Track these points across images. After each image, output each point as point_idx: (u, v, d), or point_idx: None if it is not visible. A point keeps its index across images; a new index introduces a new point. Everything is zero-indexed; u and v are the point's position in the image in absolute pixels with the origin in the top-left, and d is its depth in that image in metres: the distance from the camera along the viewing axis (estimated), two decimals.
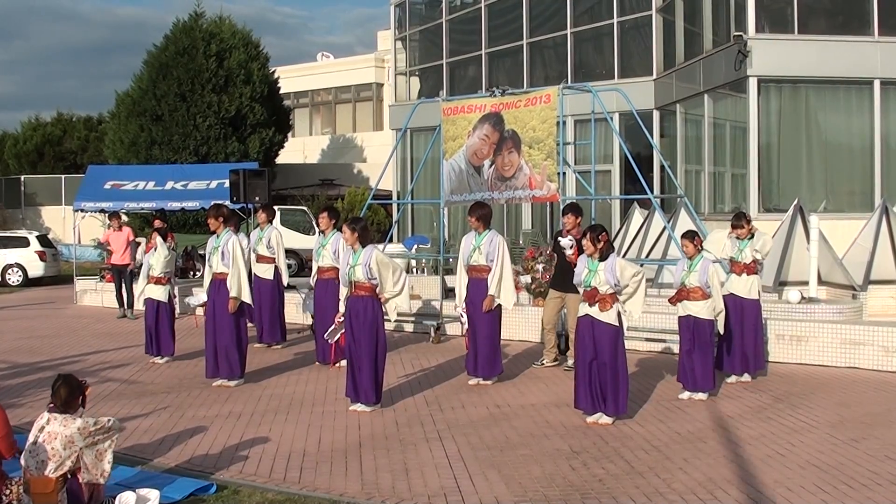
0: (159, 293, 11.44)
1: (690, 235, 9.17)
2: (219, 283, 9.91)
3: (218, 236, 9.98)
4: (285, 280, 12.79)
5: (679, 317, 9.15)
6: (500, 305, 9.87)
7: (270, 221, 12.87)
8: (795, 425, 7.90)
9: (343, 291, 8.75)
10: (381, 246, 14.72)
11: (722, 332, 9.25)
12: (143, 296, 11.71)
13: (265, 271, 12.44)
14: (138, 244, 16.31)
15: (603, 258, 7.96)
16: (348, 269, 8.60)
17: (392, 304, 8.72)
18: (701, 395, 8.94)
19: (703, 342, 8.92)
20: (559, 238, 10.36)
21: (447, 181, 13.19)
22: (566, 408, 8.51)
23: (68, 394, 5.67)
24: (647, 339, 11.63)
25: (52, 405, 5.66)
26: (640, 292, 7.99)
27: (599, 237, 7.95)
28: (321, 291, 11.09)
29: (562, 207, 11.05)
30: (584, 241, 8.07)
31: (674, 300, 9.22)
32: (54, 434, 5.54)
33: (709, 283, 8.88)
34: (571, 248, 9.84)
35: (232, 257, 9.81)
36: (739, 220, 9.95)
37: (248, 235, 12.46)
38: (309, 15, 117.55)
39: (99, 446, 5.65)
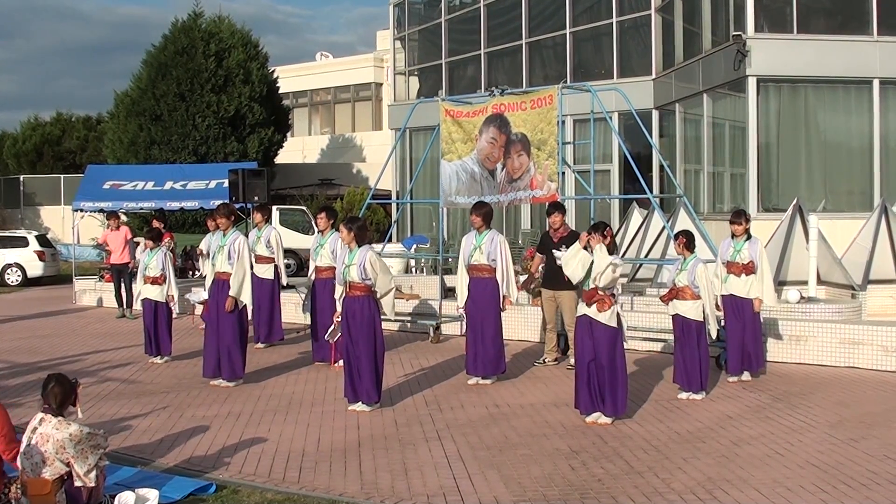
0: (156, 293, 11.43)
1: (678, 235, 9.20)
2: (222, 282, 9.90)
3: (225, 235, 9.99)
4: (284, 280, 12.80)
5: (671, 315, 9.18)
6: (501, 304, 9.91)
7: (267, 221, 12.89)
8: (794, 425, 7.91)
9: (338, 290, 8.75)
10: (379, 246, 14.76)
11: (714, 335, 9.23)
12: (140, 296, 11.70)
13: (264, 271, 12.45)
14: (137, 243, 16.30)
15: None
16: (343, 268, 8.61)
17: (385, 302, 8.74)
18: (696, 395, 8.94)
19: (692, 342, 8.93)
20: (553, 251, 10.41)
21: (454, 182, 13.17)
22: (565, 407, 8.51)
23: (62, 394, 5.63)
24: (647, 339, 11.63)
25: (46, 406, 5.63)
26: (602, 263, 7.82)
27: (605, 233, 7.95)
28: (319, 291, 11.10)
29: (546, 208, 11.12)
30: (592, 239, 8.03)
31: (665, 298, 9.25)
32: (46, 436, 5.51)
33: (696, 283, 8.89)
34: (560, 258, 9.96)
35: (238, 257, 9.82)
36: (738, 217, 9.97)
37: (246, 235, 12.45)
38: (311, 14, 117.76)
39: (90, 459, 5.57)
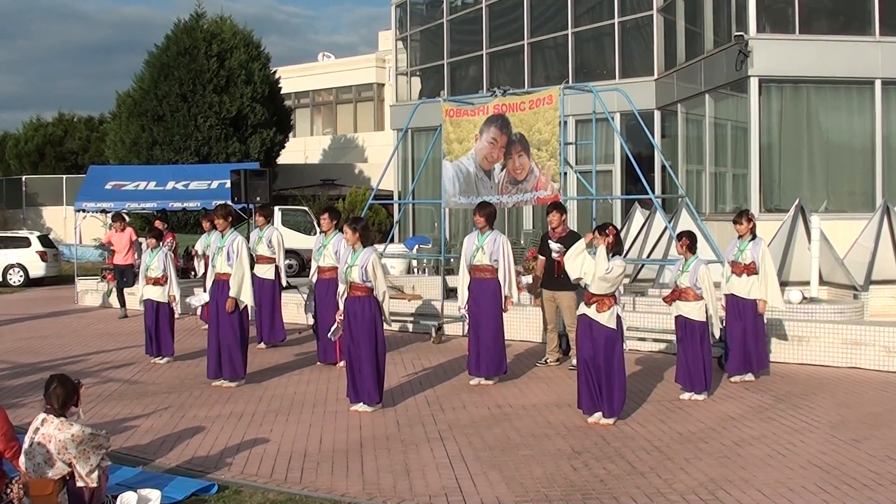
0: (158, 294, 11.43)
1: (681, 236, 9.21)
2: (222, 283, 9.88)
3: (223, 236, 9.99)
4: (284, 280, 12.81)
5: (674, 316, 9.19)
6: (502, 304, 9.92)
7: (269, 221, 12.91)
8: (797, 425, 7.90)
9: (340, 288, 8.76)
10: (381, 246, 14.76)
11: (717, 335, 9.24)
12: (142, 297, 11.69)
13: (266, 272, 12.46)
14: (140, 244, 16.32)
15: (614, 255, 7.93)
16: (346, 268, 8.61)
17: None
18: (698, 396, 8.94)
19: (694, 342, 8.93)
20: (549, 241, 10.46)
21: (453, 183, 13.18)
22: (567, 408, 8.51)
23: (64, 394, 5.64)
24: (652, 340, 11.61)
25: (48, 406, 5.63)
26: (597, 268, 7.81)
27: (606, 231, 7.93)
28: (322, 291, 11.10)
29: (546, 208, 11.16)
30: (596, 241, 8.05)
31: (668, 299, 9.25)
32: (48, 437, 5.51)
33: (698, 285, 8.89)
34: (559, 251, 10.02)
35: (238, 258, 9.81)
36: (739, 217, 9.99)
37: (248, 236, 12.46)
38: (313, 14, 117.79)
39: (91, 459, 5.58)
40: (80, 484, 5.55)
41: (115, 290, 16.91)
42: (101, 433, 5.73)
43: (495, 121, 12.62)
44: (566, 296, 10.33)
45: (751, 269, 9.79)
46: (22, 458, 5.58)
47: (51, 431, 5.52)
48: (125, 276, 16.53)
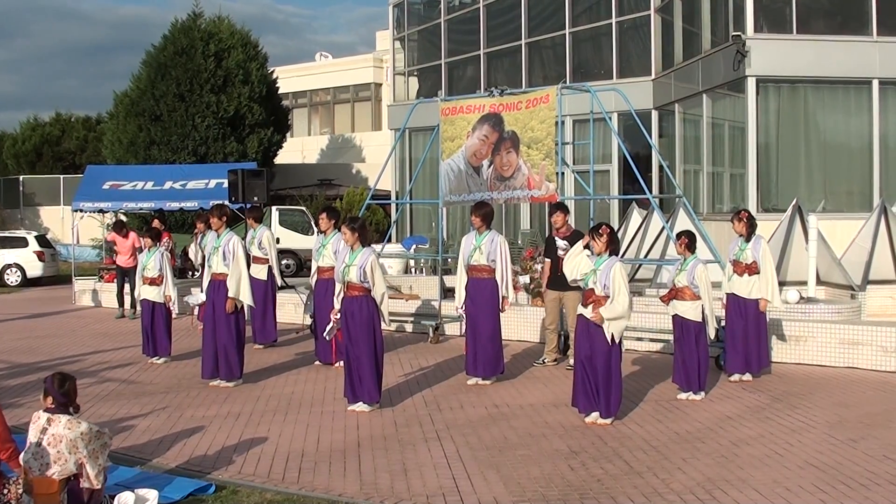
0: (154, 294, 11.43)
1: (680, 235, 9.22)
2: (218, 283, 9.88)
3: (219, 236, 9.98)
4: (279, 280, 12.78)
5: (671, 316, 9.20)
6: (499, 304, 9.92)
7: (259, 222, 12.88)
8: (794, 425, 7.91)
9: (337, 287, 8.76)
10: (378, 246, 14.76)
11: (713, 335, 9.24)
12: (139, 297, 11.70)
13: (258, 272, 12.43)
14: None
15: (610, 254, 7.92)
16: (343, 267, 8.61)
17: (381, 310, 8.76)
18: (696, 396, 8.94)
19: (691, 342, 8.94)
20: (556, 239, 10.45)
21: (445, 181, 13.20)
22: (565, 408, 8.51)
23: (74, 391, 5.68)
24: (649, 339, 11.62)
25: (52, 406, 5.62)
26: (618, 304, 7.77)
27: (600, 231, 7.93)
28: (321, 291, 11.09)
29: (548, 208, 11.15)
30: (591, 242, 8.05)
31: (665, 298, 9.26)
32: (59, 437, 5.50)
33: (696, 284, 8.90)
34: (565, 249, 10.03)
35: (234, 257, 9.80)
36: (735, 216, 10.03)
37: (244, 237, 12.45)
38: (312, 14, 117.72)
39: (100, 459, 5.59)
40: (84, 485, 5.56)
41: (132, 288, 16.70)
42: (105, 431, 5.75)
43: (489, 119, 12.61)
44: (573, 295, 10.28)
45: (752, 269, 9.79)
46: (26, 457, 5.57)
47: (60, 431, 5.51)
48: (128, 276, 16.49)
